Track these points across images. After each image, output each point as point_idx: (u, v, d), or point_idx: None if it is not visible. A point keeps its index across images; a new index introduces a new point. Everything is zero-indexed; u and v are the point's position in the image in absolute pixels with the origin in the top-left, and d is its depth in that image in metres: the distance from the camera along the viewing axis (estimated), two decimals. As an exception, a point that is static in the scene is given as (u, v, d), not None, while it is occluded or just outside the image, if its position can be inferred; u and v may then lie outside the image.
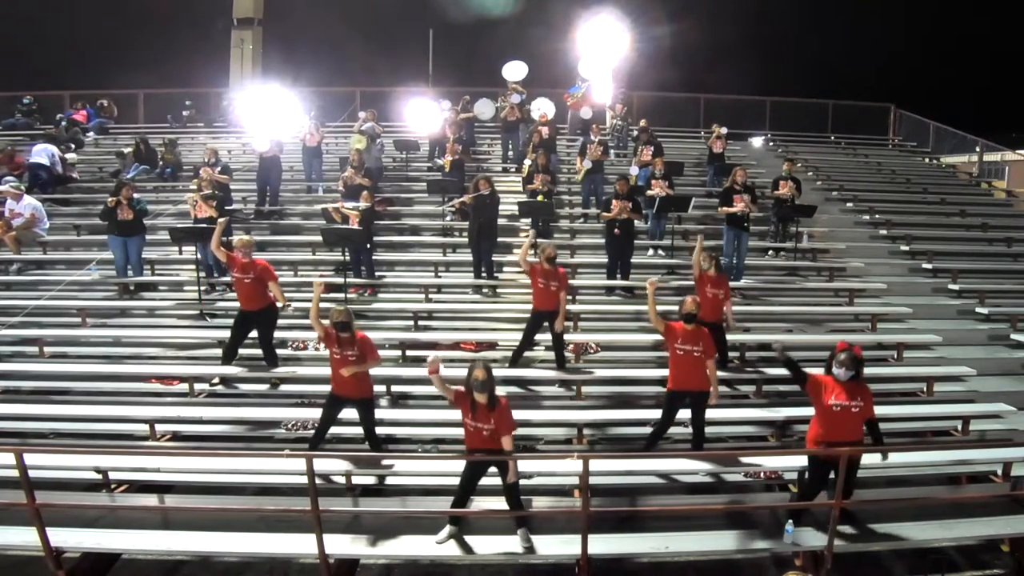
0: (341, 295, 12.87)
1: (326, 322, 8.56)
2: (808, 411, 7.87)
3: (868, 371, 10.64)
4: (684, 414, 9.04)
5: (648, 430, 9.49)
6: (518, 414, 9.71)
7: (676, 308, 9.04)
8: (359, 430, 9.10)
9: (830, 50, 31.93)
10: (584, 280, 14.34)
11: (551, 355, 11.18)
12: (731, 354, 11.66)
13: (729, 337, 11.88)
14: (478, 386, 7.24)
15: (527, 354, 11.32)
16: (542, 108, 18.89)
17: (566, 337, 11.94)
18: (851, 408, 7.40)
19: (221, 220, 11.00)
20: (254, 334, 10.79)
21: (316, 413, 9.19)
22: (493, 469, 7.64)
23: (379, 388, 10.53)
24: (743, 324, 12.73)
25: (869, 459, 7.66)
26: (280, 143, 16.82)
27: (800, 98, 26.81)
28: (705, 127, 23.84)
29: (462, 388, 7.37)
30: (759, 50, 30.68)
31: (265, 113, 17.06)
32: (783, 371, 10.37)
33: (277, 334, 11.01)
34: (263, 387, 10.79)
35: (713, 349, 8.85)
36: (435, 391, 7.45)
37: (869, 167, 22.79)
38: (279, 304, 10.67)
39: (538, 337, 11.18)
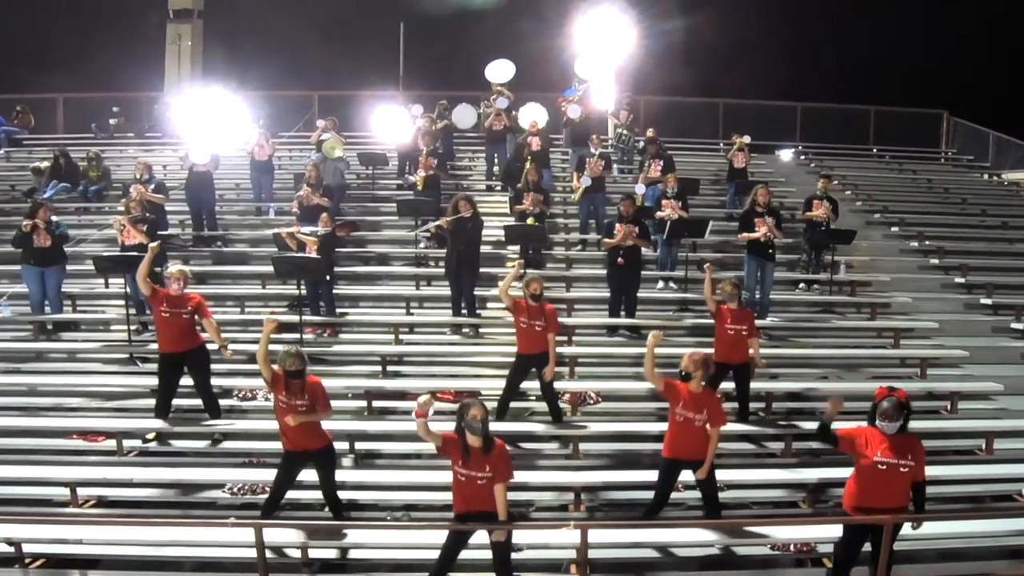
0: (296, 335, 12.87)
1: (276, 366, 8.61)
2: (847, 472, 7.92)
3: (917, 425, 10.77)
4: (688, 476, 9.04)
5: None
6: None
7: (689, 353, 8.94)
8: (318, 494, 9.16)
9: (872, 47, 32.04)
10: (582, 318, 14.50)
11: (546, 406, 11.24)
12: (754, 405, 11.74)
13: (755, 385, 11.94)
14: (475, 427, 7.28)
15: (518, 404, 11.44)
16: (532, 115, 19.00)
17: (560, 385, 11.99)
18: (900, 467, 7.33)
19: (153, 245, 11.06)
20: (187, 380, 10.89)
21: (265, 474, 9.27)
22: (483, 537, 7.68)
23: (341, 445, 10.53)
24: (768, 370, 12.81)
25: (904, 528, 7.66)
26: (216, 157, 16.99)
27: (837, 103, 27.13)
28: (725, 138, 24.00)
29: (451, 432, 7.42)
30: (788, 47, 30.80)
31: (206, 121, 17.12)
32: (815, 424, 10.57)
33: (221, 382, 11.07)
34: (203, 444, 10.86)
35: (721, 417, 8.72)
36: (406, 448, 7.56)
37: (918, 185, 23.13)
38: (217, 346, 10.78)
39: (527, 385, 11.28)
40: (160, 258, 13.01)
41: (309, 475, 8.96)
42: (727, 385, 11.13)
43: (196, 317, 10.65)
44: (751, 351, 10.90)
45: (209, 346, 10.91)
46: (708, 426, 8.57)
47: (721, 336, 10.93)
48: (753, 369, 11.10)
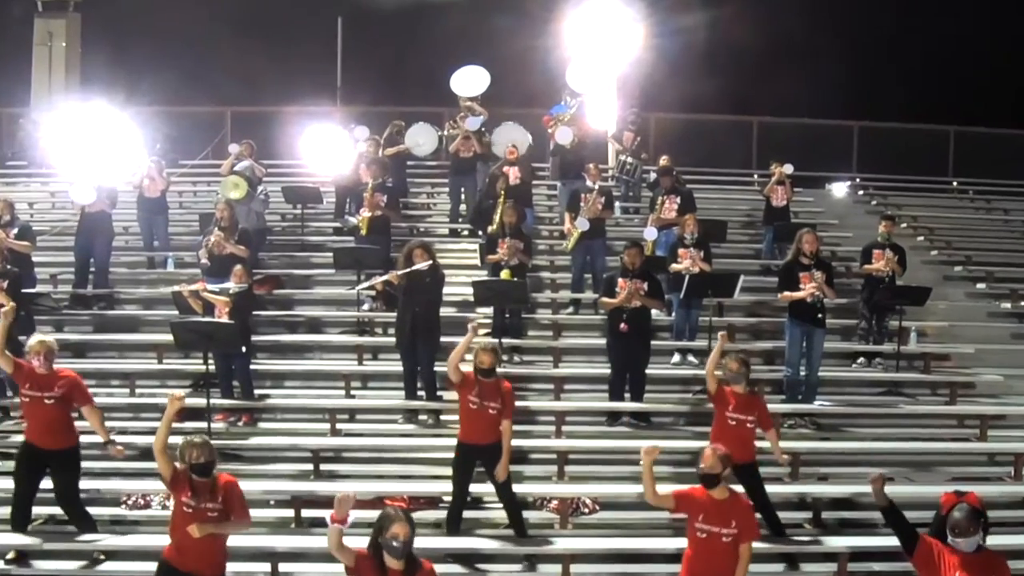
0: (202, 424, 12.70)
1: (177, 463, 8.56)
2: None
3: (1011, 541, 10.91)
4: None
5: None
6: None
7: (711, 448, 8.87)
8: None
9: (950, 52, 32.21)
10: (574, 402, 14.60)
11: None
12: (799, 515, 11.88)
13: (799, 488, 12.06)
14: (394, 548, 7.05)
15: (479, 514, 11.52)
16: (509, 139, 19.05)
17: (547, 489, 12.06)
18: None
19: (5, 310, 10.98)
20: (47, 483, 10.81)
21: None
22: None
23: (261, 567, 10.62)
24: (817, 469, 12.91)
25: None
26: (113, 192, 17.06)
27: (905, 123, 27.39)
28: (760, 168, 24.27)
29: (365, 550, 7.23)
30: (842, 52, 31.07)
31: (85, 145, 17.06)
32: (876, 540, 10.71)
33: (108, 485, 11.02)
34: (80, 565, 10.81)
35: (754, 529, 8.63)
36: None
37: (1010, 228, 23.41)
38: (102, 440, 10.73)
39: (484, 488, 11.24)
40: (26, 324, 13.03)
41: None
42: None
43: (72, 403, 10.53)
44: (769, 445, 10.97)
45: (93, 438, 10.84)
46: (739, 541, 8.37)
47: (720, 426, 10.80)
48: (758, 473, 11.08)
